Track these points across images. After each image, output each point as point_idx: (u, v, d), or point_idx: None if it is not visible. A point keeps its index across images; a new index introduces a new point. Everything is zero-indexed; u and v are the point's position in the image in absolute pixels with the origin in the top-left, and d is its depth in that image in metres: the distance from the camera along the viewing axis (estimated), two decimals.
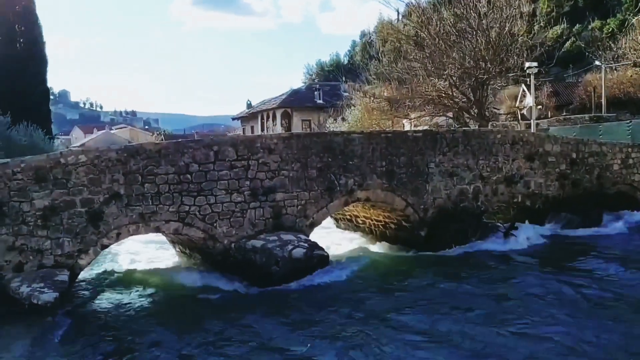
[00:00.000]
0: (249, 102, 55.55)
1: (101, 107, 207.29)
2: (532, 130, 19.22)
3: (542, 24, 24.77)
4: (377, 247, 13.57)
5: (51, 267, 9.69)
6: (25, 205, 9.62)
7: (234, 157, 11.28)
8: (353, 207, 13.73)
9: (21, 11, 24.67)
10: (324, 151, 12.15)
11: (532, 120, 20.53)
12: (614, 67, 28.37)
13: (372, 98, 27.30)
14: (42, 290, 8.78)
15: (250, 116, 50.77)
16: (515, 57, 22.39)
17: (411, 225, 13.18)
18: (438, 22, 23.26)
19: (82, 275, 10.78)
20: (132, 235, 10.70)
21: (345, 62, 60.12)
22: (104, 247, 10.45)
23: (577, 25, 37.78)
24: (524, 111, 22.75)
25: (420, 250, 12.67)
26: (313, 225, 12.09)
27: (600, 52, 28.88)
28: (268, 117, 46.43)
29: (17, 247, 9.57)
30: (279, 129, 41.86)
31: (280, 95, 47.52)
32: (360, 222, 14.90)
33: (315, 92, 45.20)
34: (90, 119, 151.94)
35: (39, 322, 8.46)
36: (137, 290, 10.67)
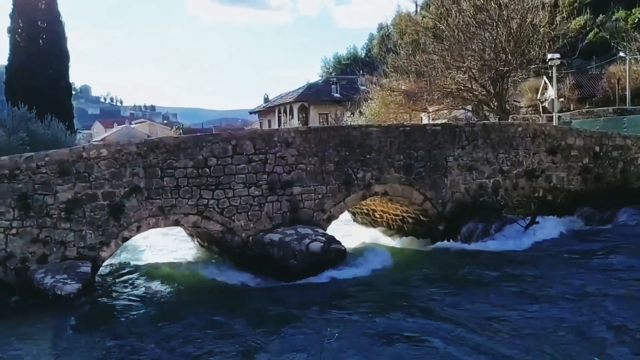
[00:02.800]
0: (266, 96, 55.73)
1: (121, 102, 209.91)
2: (554, 124, 18.91)
3: (564, 15, 24.19)
4: (395, 242, 13.53)
5: (74, 258, 9.90)
6: (49, 198, 9.83)
7: (252, 151, 11.34)
8: (371, 201, 13.69)
9: (44, 8, 25.04)
10: (341, 145, 12.12)
11: (554, 113, 20.22)
12: (638, 59, 27.71)
13: (389, 91, 27.13)
14: (66, 281, 8.98)
15: (268, 110, 50.93)
16: (537, 49, 22.01)
17: (429, 220, 13.11)
18: (457, 14, 22.99)
19: (104, 267, 10.97)
20: (152, 228, 10.85)
21: (363, 55, 59.80)
22: (125, 239, 10.62)
23: (601, 15, 36.94)
24: (546, 104, 22.44)
25: (438, 245, 12.60)
26: (330, 219, 12.09)
27: (625, 43, 28.23)
28: (285, 111, 46.51)
29: (42, 239, 9.78)
30: (296, 123, 41.90)
31: (297, 89, 47.52)
32: (378, 216, 14.86)
33: (333, 86, 45.09)
34: (111, 113, 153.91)
35: (62, 312, 8.64)
36: (157, 282, 10.83)
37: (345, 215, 14.37)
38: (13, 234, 9.60)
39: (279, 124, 45.97)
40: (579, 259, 10.97)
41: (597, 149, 14.89)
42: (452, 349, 6.88)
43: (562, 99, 23.16)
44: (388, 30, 52.21)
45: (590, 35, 35.84)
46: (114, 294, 10.24)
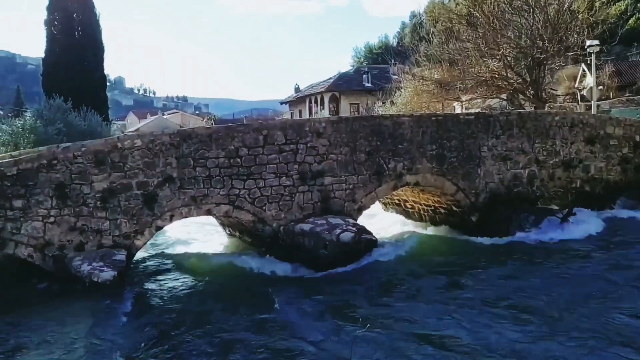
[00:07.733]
0: (296, 87, 55.68)
1: (154, 93, 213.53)
2: (592, 112, 18.29)
3: (604, 0, 23.30)
4: (427, 233, 13.34)
5: (110, 247, 10.14)
6: (85, 188, 10.06)
7: (283, 141, 11.34)
8: (402, 191, 13.55)
9: (79, 0, 25.51)
10: (372, 135, 12.01)
11: (592, 102, 19.55)
12: None
13: (421, 80, 26.69)
14: (102, 268, 9.19)
15: (298, 100, 50.92)
16: (575, 35, 21.25)
17: (462, 210, 12.90)
18: (492, 0, 22.37)
19: (138, 255, 11.20)
20: (184, 217, 11.00)
21: (395, 44, 58.94)
22: (159, 228, 10.81)
23: None
24: (584, 92, 21.70)
25: (471, 236, 12.38)
26: (361, 210, 12.03)
27: None
28: (316, 101, 46.40)
29: (78, 227, 10.04)
30: (326, 113, 41.75)
31: (328, 79, 47.30)
32: (409, 206, 14.70)
33: (364, 76, 44.66)
34: (144, 104, 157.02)
35: (98, 299, 8.85)
36: (189, 270, 11.00)
37: (377, 206, 14.26)
38: (51, 223, 9.86)
39: (310, 114, 45.91)
40: (619, 250, 10.64)
41: (637, 138, 14.45)
42: (483, 341, 6.77)
43: (601, 87, 22.30)
44: (421, 18, 51.31)
45: (631, 21, 34.30)
46: (148, 282, 10.46)
